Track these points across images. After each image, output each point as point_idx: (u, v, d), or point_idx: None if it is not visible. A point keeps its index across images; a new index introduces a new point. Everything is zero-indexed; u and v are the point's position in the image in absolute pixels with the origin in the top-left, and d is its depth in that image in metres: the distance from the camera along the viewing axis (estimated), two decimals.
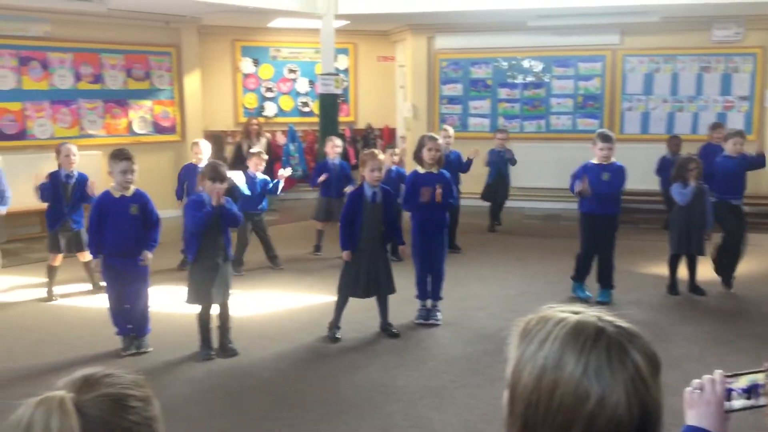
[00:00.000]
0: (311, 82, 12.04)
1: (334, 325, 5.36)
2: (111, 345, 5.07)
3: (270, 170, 8.07)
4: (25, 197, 8.96)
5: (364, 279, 5.29)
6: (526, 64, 11.24)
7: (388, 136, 12.42)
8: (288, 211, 10.67)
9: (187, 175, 7.37)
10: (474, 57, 11.38)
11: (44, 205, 6.47)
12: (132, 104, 10.08)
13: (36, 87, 9.12)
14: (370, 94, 12.53)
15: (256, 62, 11.90)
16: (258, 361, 4.94)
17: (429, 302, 5.79)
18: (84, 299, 6.38)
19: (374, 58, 12.55)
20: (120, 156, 4.97)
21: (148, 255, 5.05)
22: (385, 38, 12.43)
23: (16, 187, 8.86)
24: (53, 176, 6.32)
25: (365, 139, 12.42)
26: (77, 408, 0.99)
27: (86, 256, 6.24)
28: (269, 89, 12.02)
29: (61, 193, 6.28)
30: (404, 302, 5.77)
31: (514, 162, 9.34)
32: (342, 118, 11.18)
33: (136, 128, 10.13)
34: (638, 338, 1.04)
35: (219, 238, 4.92)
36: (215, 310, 5.03)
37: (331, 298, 5.68)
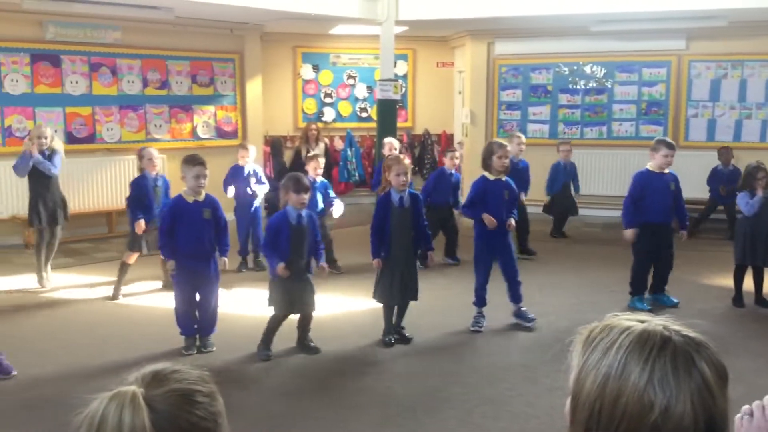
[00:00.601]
0: (370, 88, 12.14)
1: (387, 332, 5.38)
2: (174, 344, 5.19)
3: (328, 175, 8.18)
4: (91, 199, 9.33)
5: (398, 285, 5.28)
6: (588, 69, 11.07)
7: (445, 142, 12.41)
8: (345, 215, 10.76)
9: (233, 176, 7.55)
10: (534, 62, 11.27)
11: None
12: (196, 109, 10.35)
13: (105, 92, 9.45)
14: (428, 99, 12.55)
15: (316, 68, 12.07)
16: (314, 362, 5.00)
17: (484, 310, 5.75)
18: (149, 298, 6.58)
19: (433, 64, 12.57)
20: (194, 161, 5.09)
21: (225, 261, 5.16)
22: (444, 44, 12.43)
23: (84, 188, 9.24)
24: (139, 181, 6.52)
25: (422, 144, 12.44)
26: (147, 403, 1.03)
27: (132, 259, 6.50)
28: (328, 95, 12.17)
29: (152, 195, 6.48)
30: (464, 308, 5.76)
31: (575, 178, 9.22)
32: (400, 124, 11.21)
33: (200, 133, 10.39)
34: (706, 348, 1.02)
35: (304, 247, 4.99)
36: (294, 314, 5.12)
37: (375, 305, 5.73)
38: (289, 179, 5.08)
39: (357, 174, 11.88)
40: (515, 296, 5.73)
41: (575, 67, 11.12)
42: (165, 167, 9.82)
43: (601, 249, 8.65)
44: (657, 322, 1.05)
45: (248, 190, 7.55)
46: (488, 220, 5.56)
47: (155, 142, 9.83)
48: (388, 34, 10.03)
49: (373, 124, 11.19)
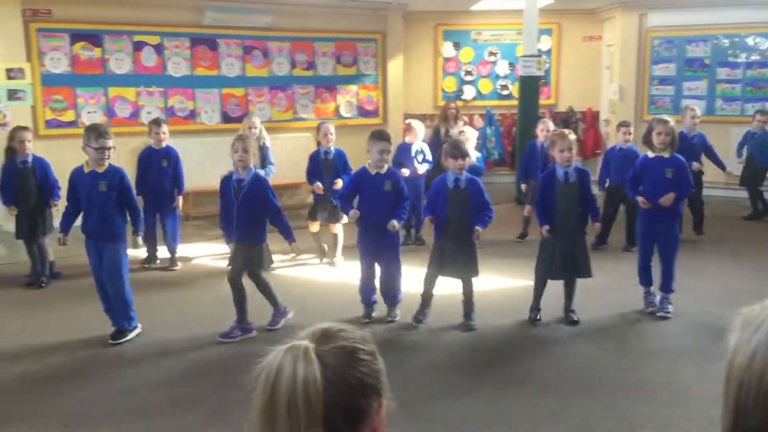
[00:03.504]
0: (511, 65, 11.91)
1: (534, 307, 5.35)
2: (352, 312, 5.39)
3: None
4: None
5: (560, 261, 5.18)
6: (750, 41, 10.25)
7: (590, 119, 11.97)
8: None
9: (400, 153, 7.63)
10: (690, 34, 10.58)
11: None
12: (340, 89, 10.65)
13: (257, 74, 9.94)
14: (573, 75, 12.13)
15: (457, 46, 12.01)
16: (459, 339, 5.05)
17: (653, 289, 5.54)
18: (318, 270, 6.87)
19: (579, 38, 12.11)
20: (379, 136, 5.30)
21: (395, 224, 5.19)
22: (591, 17, 11.95)
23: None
24: (313, 154, 6.96)
25: (566, 122, 12.06)
26: (318, 357, 1.11)
27: (335, 228, 6.85)
28: (469, 72, 12.08)
29: (322, 168, 6.83)
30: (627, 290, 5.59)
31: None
32: (542, 101, 10.95)
33: (343, 112, 10.68)
34: None
35: (463, 211, 5.08)
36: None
37: (527, 282, 5.67)
38: (449, 145, 5.26)
39: (496, 153, 11.74)
40: (664, 283, 5.49)
41: (736, 39, 10.32)
42: (309, 145, 10.23)
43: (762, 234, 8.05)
44: None
45: (416, 167, 7.57)
46: (641, 201, 5.37)
47: (301, 121, 10.25)
48: (532, 8, 9.78)
49: (514, 102, 11.00)
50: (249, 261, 5.04)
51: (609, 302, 5.71)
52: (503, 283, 6.29)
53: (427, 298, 5.29)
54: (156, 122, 6.98)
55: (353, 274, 5.77)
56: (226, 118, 9.67)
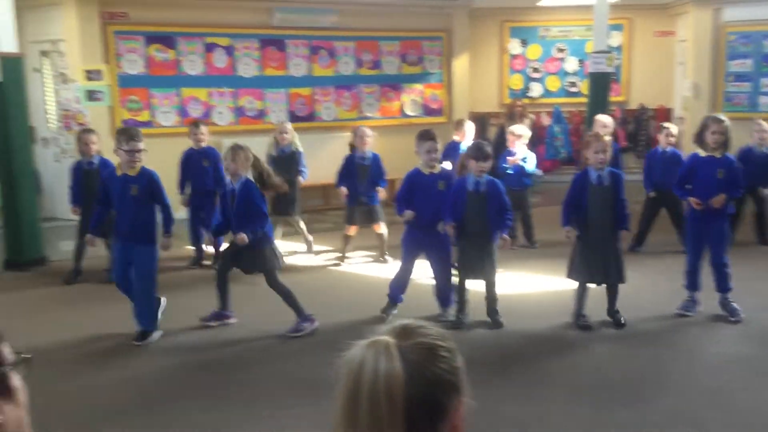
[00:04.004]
0: (581, 61, 11.70)
1: (577, 314, 5.24)
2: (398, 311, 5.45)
3: (534, 152, 8.03)
4: (310, 173, 10.01)
5: (597, 265, 5.08)
6: None
7: (662, 117, 11.63)
8: (551, 193, 10.53)
9: (450, 152, 7.61)
10: None
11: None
12: (405, 88, 10.68)
13: (323, 73, 10.07)
14: (645, 72, 11.81)
15: (524, 42, 11.86)
16: (507, 336, 5.03)
17: (699, 295, 5.40)
18: (369, 267, 6.97)
19: (651, 33, 11.79)
20: (426, 136, 5.32)
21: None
22: (663, 11, 11.61)
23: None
24: (348, 159, 6.98)
25: (637, 120, 11.78)
26: (399, 352, 1.13)
27: (380, 228, 6.90)
28: (536, 69, 11.92)
29: (357, 172, 6.89)
30: (676, 293, 5.44)
31: None
32: (612, 98, 10.70)
33: (408, 110, 10.71)
34: None
35: (482, 214, 5.07)
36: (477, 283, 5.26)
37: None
38: (471, 146, 5.26)
39: (564, 151, 11.55)
40: (720, 285, 5.31)
41: None
42: (374, 144, 10.28)
43: None
44: None
45: None
46: (693, 202, 5.24)
47: (366, 120, 10.32)
48: (603, 3, 9.56)
49: (583, 99, 10.79)
50: (253, 263, 5.18)
51: (653, 305, 5.56)
52: (556, 283, 6.18)
53: (462, 300, 5.28)
54: (194, 124, 7.16)
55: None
56: (293, 117, 9.82)
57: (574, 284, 5.26)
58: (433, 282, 5.41)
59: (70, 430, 3.72)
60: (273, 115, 9.76)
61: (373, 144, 7.11)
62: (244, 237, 4.98)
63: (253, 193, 5.10)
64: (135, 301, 5.07)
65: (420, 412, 1.11)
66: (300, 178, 7.33)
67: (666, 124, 7.49)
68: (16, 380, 1.18)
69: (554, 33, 11.85)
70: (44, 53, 9.13)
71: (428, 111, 10.87)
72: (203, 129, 7.05)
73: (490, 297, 5.26)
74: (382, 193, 6.90)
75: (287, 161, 7.27)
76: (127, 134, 4.97)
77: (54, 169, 9.34)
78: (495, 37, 11.85)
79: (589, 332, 5.10)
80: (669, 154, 7.10)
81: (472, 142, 7.64)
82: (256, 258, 5.12)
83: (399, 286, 5.45)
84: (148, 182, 5.01)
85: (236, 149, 5.11)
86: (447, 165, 7.37)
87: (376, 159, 6.97)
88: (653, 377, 4.31)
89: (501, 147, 8.67)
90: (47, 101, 9.25)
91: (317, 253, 7.47)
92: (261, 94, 9.68)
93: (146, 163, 5.16)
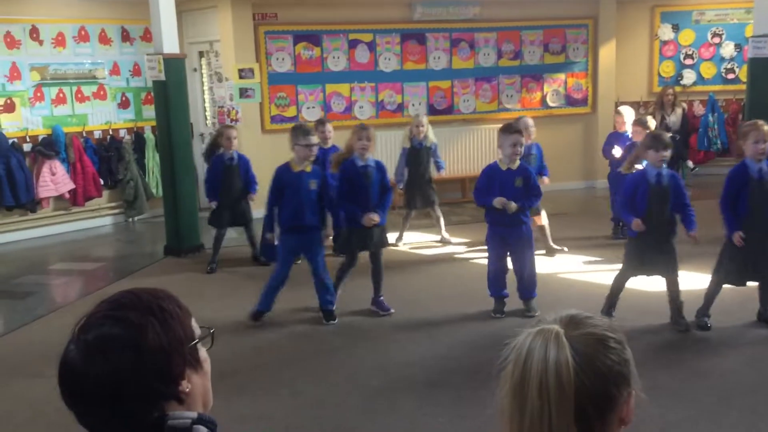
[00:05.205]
0: (738, 46, 10.89)
1: (702, 312, 4.97)
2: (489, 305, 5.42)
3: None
4: (448, 166, 10.06)
5: (751, 262, 4.75)
6: None
7: None
8: (704, 186, 9.91)
9: (612, 143, 7.34)
10: None
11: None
12: (546, 78, 10.44)
13: (463, 66, 10.05)
14: None
15: (676, 28, 11.21)
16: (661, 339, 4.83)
17: None
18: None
19: None
20: (512, 129, 5.23)
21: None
22: None
23: (442, 157, 9.97)
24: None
25: None
26: (568, 342, 1.12)
27: (541, 220, 6.78)
28: (689, 56, 11.23)
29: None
30: None
31: None
32: None
33: (549, 101, 10.46)
34: None
35: (664, 208, 4.85)
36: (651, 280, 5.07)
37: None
38: (648, 135, 5.04)
39: (719, 141, 10.81)
40: None
41: None
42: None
43: None
44: None
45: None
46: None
47: (506, 112, 10.20)
48: None
49: (741, 87, 10.05)
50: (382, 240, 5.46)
51: None
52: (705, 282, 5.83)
53: (614, 296, 5.08)
54: (320, 121, 7.30)
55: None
56: (432, 110, 9.89)
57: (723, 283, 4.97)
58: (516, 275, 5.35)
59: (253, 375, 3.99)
60: (411, 109, 9.87)
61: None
62: (376, 217, 5.23)
63: (386, 173, 5.39)
64: (318, 285, 5.33)
65: (589, 402, 1.10)
66: (435, 171, 7.38)
67: None
68: (203, 352, 1.30)
69: (709, 17, 11.10)
70: (202, 53, 9.78)
71: (571, 101, 10.57)
72: (329, 127, 7.17)
73: (675, 297, 4.95)
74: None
75: (421, 154, 7.35)
76: (303, 130, 5.26)
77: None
78: (644, 23, 11.27)
79: (707, 332, 4.88)
80: None
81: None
82: (383, 233, 5.39)
83: (497, 284, 5.38)
84: (323, 177, 5.36)
85: (369, 128, 5.36)
86: (616, 152, 7.14)
87: (539, 150, 6.92)
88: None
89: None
90: (204, 99, 9.92)
91: (453, 244, 7.51)
92: (400, 88, 9.82)
93: (288, 157, 5.41)
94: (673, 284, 4.91)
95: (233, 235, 8.50)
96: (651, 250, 4.86)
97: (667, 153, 4.82)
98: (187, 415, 1.21)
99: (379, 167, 5.37)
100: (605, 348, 1.14)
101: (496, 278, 5.40)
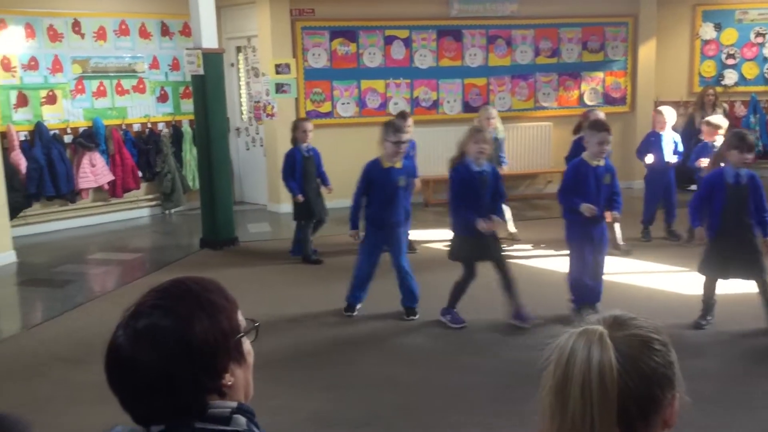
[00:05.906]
0: None
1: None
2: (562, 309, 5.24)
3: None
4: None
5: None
6: None
7: None
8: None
9: (649, 143, 7.22)
10: None
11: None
12: (584, 76, 10.31)
13: (499, 63, 9.98)
14: None
15: (718, 27, 10.99)
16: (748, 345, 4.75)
17: None
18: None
19: None
20: (599, 127, 5.06)
21: (616, 215, 5.06)
22: None
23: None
24: (577, 141, 6.55)
25: None
26: (612, 343, 1.11)
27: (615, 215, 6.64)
28: (731, 55, 11.01)
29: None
30: None
31: None
32: None
33: (587, 100, 10.33)
34: None
35: (743, 211, 4.73)
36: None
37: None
38: (733, 135, 4.88)
39: (761, 143, 10.59)
40: None
41: None
42: (550, 135, 10.05)
43: None
44: None
45: (665, 158, 7.10)
46: None
47: (542, 110, 10.11)
48: None
49: None
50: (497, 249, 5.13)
51: None
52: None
53: (709, 303, 4.93)
54: (402, 115, 7.15)
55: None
56: (467, 107, 9.84)
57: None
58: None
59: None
60: (447, 106, 9.84)
61: (547, 135, 6.94)
62: (493, 223, 4.92)
63: (501, 180, 5.21)
64: (401, 281, 5.26)
65: (633, 404, 1.10)
66: (501, 166, 7.12)
67: None
68: (247, 345, 1.31)
69: (753, 16, 10.87)
70: (239, 49, 9.87)
71: (609, 100, 10.43)
72: (410, 121, 6.88)
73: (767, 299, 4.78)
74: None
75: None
76: (393, 126, 5.23)
77: (245, 156, 10.09)
78: (685, 21, 11.07)
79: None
80: None
81: (672, 131, 7.16)
82: (497, 242, 5.13)
83: (581, 290, 5.12)
84: (412, 174, 5.39)
85: (485, 131, 5.32)
86: (649, 159, 7.04)
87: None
88: None
89: (690, 138, 8.16)
90: (240, 94, 10.00)
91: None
92: (436, 85, 9.79)
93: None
94: (763, 285, 4.74)
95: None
96: (732, 252, 4.72)
97: (751, 155, 4.72)
98: (227, 405, 1.22)
99: (495, 174, 5.11)
100: (650, 350, 1.13)
101: (579, 283, 5.08)
